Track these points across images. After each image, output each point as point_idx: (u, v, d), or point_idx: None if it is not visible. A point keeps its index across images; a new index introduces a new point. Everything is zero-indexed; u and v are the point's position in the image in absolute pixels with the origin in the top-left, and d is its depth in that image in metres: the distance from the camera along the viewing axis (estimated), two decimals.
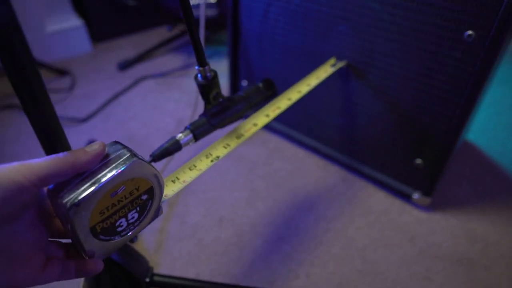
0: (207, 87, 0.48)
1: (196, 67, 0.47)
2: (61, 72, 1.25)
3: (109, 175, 0.29)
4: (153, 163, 0.40)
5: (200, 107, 1.05)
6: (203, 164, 0.47)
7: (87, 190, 0.28)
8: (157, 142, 0.98)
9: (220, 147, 0.50)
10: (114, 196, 0.30)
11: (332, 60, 0.75)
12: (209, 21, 1.22)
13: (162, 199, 0.36)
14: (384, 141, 0.79)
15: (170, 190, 0.43)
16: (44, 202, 0.31)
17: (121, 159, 0.30)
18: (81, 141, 0.98)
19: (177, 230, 0.76)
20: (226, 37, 0.97)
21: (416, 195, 0.79)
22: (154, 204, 0.35)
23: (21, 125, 1.05)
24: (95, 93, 1.18)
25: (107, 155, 0.30)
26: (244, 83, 1.00)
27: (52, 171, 0.27)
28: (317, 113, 0.88)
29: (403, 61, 0.68)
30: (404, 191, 0.81)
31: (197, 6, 0.97)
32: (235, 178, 0.88)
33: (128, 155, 0.30)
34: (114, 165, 0.29)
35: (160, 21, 1.58)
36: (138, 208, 0.33)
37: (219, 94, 0.49)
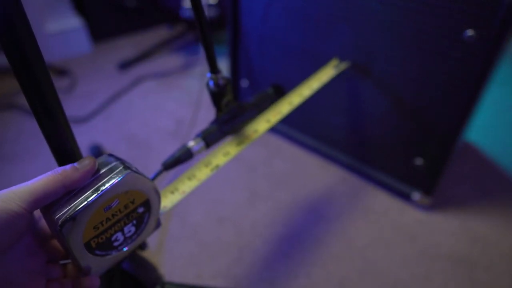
0: (219, 94, 0.46)
1: (208, 74, 0.45)
2: (61, 72, 1.25)
3: (101, 189, 0.28)
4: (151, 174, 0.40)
5: (200, 107, 1.05)
6: (203, 173, 0.46)
7: (78, 205, 0.27)
8: (157, 142, 0.98)
9: (219, 155, 0.48)
10: (108, 210, 0.29)
11: (334, 61, 0.74)
12: (210, 22, 1.21)
13: (161, 210, 0.35)
14: (384, 141, 0.80)
15: (169, 201, 0.41)
16: (39, 225, 0.30)
17: (113, 173, 0.29)
18: (81, 141, 0.97)
19: (178, 230, 0.76)
20: (226, 37, 0.97)
21: (416, 195, 0.79)
22: (152, 217, 0.33)
23: (21, 125, 1.05)
24: (95, 93, 1.18)
25: (98, 169, 0.29)
26: (244, 82, 1.00)
27: (43, 193, 0.26)
28: (317, 113, 0.88)
29: (404, 61, 0.68)
30: (404, 191, 0.81)
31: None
32: (236, 178, 0.88)
33: (121, 167, 0.29)
34: (106, 179, 0.29)
35: (160, 21, 1.58)
36: (134, 222, 0.32)
37: (230, 101, 0.48)
